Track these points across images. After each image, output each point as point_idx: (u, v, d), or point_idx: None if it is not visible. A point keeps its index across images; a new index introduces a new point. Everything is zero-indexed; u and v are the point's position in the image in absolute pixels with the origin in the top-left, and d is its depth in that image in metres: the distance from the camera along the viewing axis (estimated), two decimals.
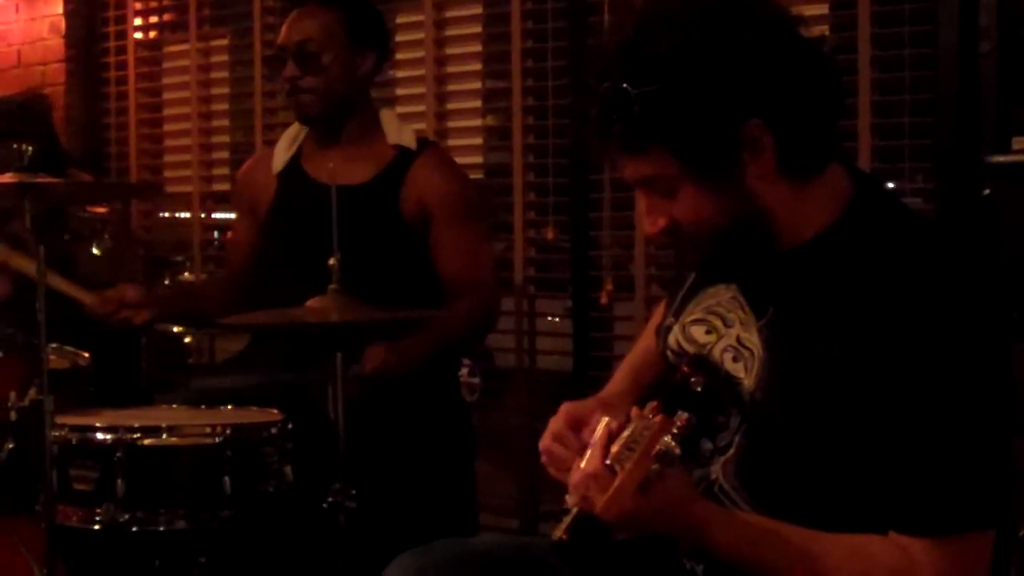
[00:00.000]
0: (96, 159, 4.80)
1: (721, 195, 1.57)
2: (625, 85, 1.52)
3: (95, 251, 3.21)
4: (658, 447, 1.48)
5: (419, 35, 3.91)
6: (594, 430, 1.61)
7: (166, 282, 4.99)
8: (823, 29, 3.05)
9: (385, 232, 2.94)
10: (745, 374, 1.62)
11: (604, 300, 3.59)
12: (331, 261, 2.45)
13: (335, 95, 2.96)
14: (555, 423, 1.73)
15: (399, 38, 3.96)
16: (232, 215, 3.51)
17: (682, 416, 1.51)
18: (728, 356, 1.64)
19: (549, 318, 3.87)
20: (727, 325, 1.67)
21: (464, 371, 3.81)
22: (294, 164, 3.09)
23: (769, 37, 1.55)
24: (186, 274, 4.79)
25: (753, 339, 1.63)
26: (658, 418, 1.52)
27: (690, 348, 1.70)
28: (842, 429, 1.54)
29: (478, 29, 3.88)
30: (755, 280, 1.66)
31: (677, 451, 1.48)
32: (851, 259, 1.57)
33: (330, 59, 2.94)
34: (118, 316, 2.95)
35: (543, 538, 1.71)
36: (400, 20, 3.98)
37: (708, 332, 1.69)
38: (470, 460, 3.05)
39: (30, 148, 2.30)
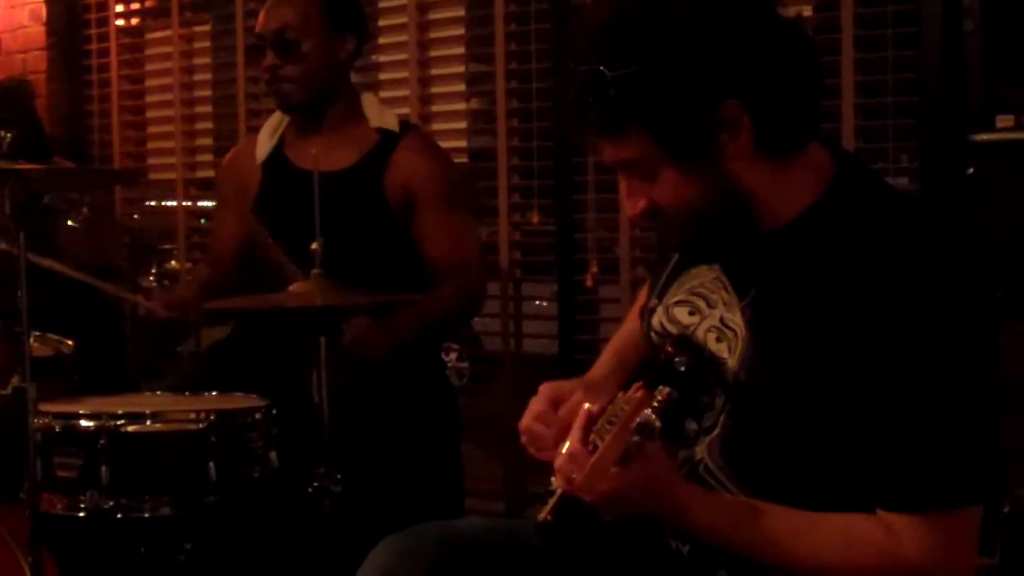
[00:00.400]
0: (79, 147, 4.78)
1: (700, 177, 1.57)
2: (601, 68, 1.52)
3: (71, 223, 3.20)
4: (638, 419, 1.48)
5: (402, 19, 3.90)
6: (573, 407, 1.61)
7: (153, 270, 4.97)
8: (803, 9, 3.05)
9: (370, 217, 2.94)
10: (729, 354, 1.62)
11: (589, 283, 3.59)
12: (313, 246, 2.44)
13: (316, 82, 2.95)
14: (535, 403, 1.74)
15: (382, 22, 3.95)
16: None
17: (663, 390, 1.51)
18: (712, 336, 1.64)
19: (535, 302, 3.87)
20: (710, 306, 1.67)
21: (452, 355, 3.80)
22: (277, 152, 3.08)
23: (746, 18, 1.55)
24: (173, 263, 4.78)
25: (736, 319, 1.63)
26: (639, 393, 1.52)
27: (673, 329, 1.70)
28: (827, 408, 1.54)
29: (461, 12, 3.86)
30: (738, 261, 1.66)
31: (657, 423, 1.48)
32: (833, 238, 1.57)
33: (309, 46, 2.93)
34: (183, 316, 2.97)
35: (529, 520, 1.70)
36: (383, 4, 3.97)
37: (691, 313, 1.69)
38: (456, 443, 3.05)
39: (10, 135, 2.29)
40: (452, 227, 2.97)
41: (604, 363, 1.93)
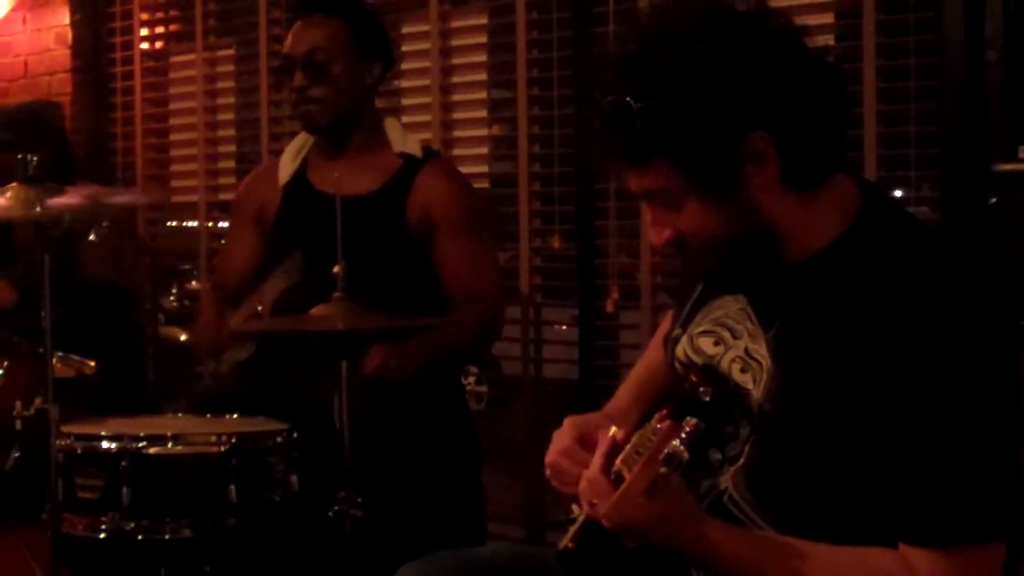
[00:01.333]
0: (103, 169, 4.80)
1: (725, 208, 1.57)
2: (628, 99, 1.53)
3: (92, 238, 3.21)
4: (666, 450, 1.48)
5: (425, 45, 3.91)
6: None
7: (174, 291, 4.98)
8: (828, 39, 3.05)
9: (391, 242, 2.94)
10: (754, 385, 1.61)
11: (610, 308, 3.59)
12: (335, 269, 2.45)
13: (343, 105, 2.96)
14: (561, 437, 1.73)
15: (405, 48, 3.96)
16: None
17: (690, 421, 1.51)
18: (736, 367, 1.64)
19: (556, 327, 3.86)
20: (735, 336, 1.67)
21: (471, 380, 3.80)
22: (299, 176, 3.09)
23: (773, 49, 1.55)
24: (193, 283, 4.80)
25: (761, 351, 1.62)
26: (666, 423, 1.52)
27: (698, 359, 1.70)
28: (850, 441, 1.53)
29: (483, 39, 3.87)
30: (763, 292, 1.66)
31: (685, 455, 1.48)
32: (858, 271, 1.57)
33: (339, 69, 2.94)
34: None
35: (549, 547, 1.70)
36: (406, 30, 3.98)
37: (716, 343, 1.68)
38: (476, 468, 3.04)
39: (35, 159, 2.30)
40: (471, 254, 2.97)
41: (624, 395, 1.93)
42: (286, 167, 3.11)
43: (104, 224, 3.66)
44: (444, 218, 2.95)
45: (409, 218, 2.95)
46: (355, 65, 2.96)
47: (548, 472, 1.73)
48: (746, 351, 1.64)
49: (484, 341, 3.14)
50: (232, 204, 3.40)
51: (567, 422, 1.75)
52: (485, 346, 3.26)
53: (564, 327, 3.80)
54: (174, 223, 4.81)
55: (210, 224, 4.55)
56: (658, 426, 1.53)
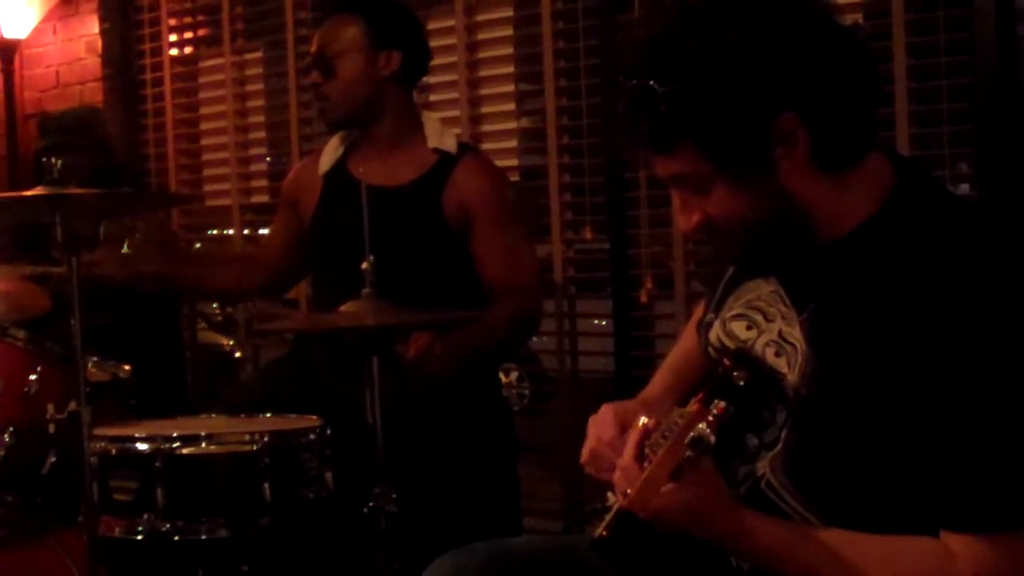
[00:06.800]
0: (139, 175, 4.83)
1: (754, 191, 1.54)
2: (652, 83, 1.50)
3: (125, 251, 3.23)
4: (692, 433, 1.46)
5: (451, 40, 3.91)
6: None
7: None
8: (856, 17, 3.02)
9: (427, 235, 2.94)
10: (788, 369, 1.59)
11: (644, 299, 3.57)
12: (364, 265, 2.44)
13: (354, 99, 2.98)
14: (601, 426, 1.71)
15: (431, 43, 3.94)
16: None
17: (718, 404, 1.49)
18: (770, 351, 1.62)
19: (595, 322, 3.84)
20: (768, 320, 1.64)
21: (512, 377, 3.79)
22: (340, 165, 3.10)
23: (800, 27, 1.52)
24: None
25: (795, 334, 1.60)
26: (694, 407, 1.50)
27: (731, 344, 1.67)
28: (888, 424, 1.50)
29: (509, 31, 3.86)
30: (795, 274, 1.63)
31: (712, 438, 1.46)
32: (893, 250, 1.54)
33: (344, 63, 2.97)
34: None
35: (584, 537, 1.68)
36: (432, 25, 3.97)
37: (749, 327, 1.66)
38: (512, 462, 3.03)
39: (60, 161, 2.31)
40: (509, 247, 2.97)
41: (659, 381, 1.91)
42: (327, 157, 3.15)
43: (136, 236, 3.68)
44: (482, 212, 2.95)
45: (446, 212, 2.95)
46: (365, 57, 2.98)
47: (584, 458, 1.71)
48: (780, 334, 1.61)
49: (522, 335, 3.14)
50: (270, 207, 3.43)
51: (605, 409, 1.73)
52: (523, 340, 3.26)
53: (604, 322, 3.76)
54: (215, 231, 4.83)
55: (246, 232, 4.56)
56: (686, 410, 1.51)
